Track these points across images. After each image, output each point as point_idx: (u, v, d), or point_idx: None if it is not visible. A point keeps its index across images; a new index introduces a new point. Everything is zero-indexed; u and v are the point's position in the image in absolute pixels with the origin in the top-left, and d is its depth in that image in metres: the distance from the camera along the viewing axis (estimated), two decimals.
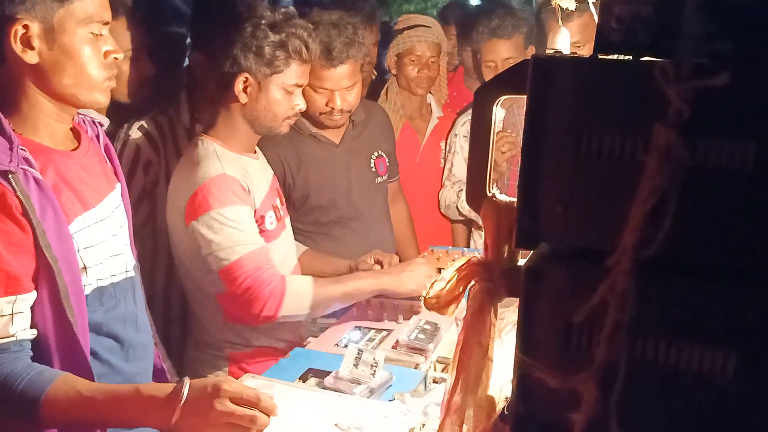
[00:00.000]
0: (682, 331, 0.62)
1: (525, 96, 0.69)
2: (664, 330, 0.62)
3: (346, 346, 1.77)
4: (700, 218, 0.61)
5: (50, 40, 1.25)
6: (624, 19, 0.63)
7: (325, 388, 1.62)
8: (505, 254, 0.84)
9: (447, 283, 0.87)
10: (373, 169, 2.53)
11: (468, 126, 2.55)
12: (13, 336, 1.20)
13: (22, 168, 1.20)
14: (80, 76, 1.29)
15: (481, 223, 0.88)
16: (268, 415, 1.21)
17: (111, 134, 1.96)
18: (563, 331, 0.66)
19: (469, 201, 0.88)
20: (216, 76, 1.86)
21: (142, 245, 1.75)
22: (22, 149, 1.22)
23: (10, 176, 1.17)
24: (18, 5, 1.21)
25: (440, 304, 0.88)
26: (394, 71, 2.99)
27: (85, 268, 1.31)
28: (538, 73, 0.67)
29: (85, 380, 1.24)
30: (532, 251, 0.72)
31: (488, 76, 2.84)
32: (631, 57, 0.64)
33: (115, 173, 1.52)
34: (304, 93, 2.01)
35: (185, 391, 1.18)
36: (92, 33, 1.30)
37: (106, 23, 1.33)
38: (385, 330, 1.97)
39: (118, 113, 2.09)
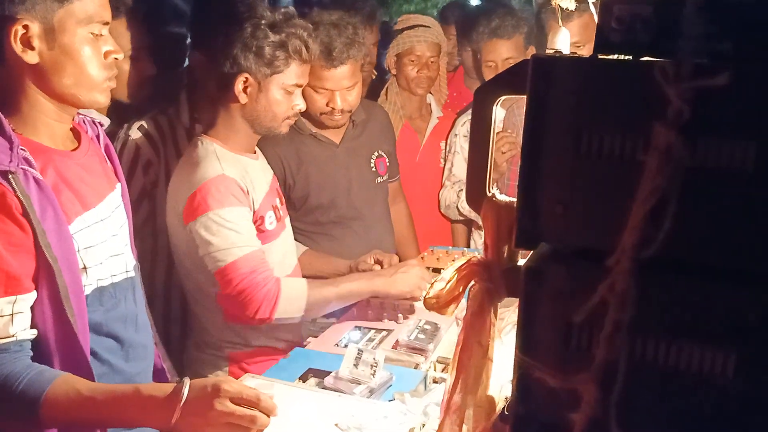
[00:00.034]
0: (682, 331, 0.62)
1: (525, 96, 0.69)
2: (664, 330, 0.62)
3: (346, 346, 1.78)
4: (700, 218, 0.61)
5: (50, 40, 1.25)
6: (624, 19, 0.63)
7: (325, 388, 1.62)
8: (505, 254, 0.84)
9: (447, 283, 0.87)
10: (374, 169, 2.53)
11: (468, 126, 2.55)
12: (13, 336, 1.20)
13: (22, 168, 1.19)
14: (80, 76, 1.29)
15: (481, 223, 0.88)
16: (268, 415, 1.21)
17: (111, 134, 1.96)
18: (563, 331, 0.66)
19: (469, 201, 0.88)
20: (216, 76, 1.87)
21: (142, 245, 1.75)
22: (22, 149, 1.22)
23: (10, 176, 1.17)
24: (18, 5, 1.21)
25: (440, 304, 0.88)
26: (393, 71, 2.99)
27: (85, 268, 1.31)
28: (538, 73, 0.67)
29: (85, 380, 1.24)
30: (532, 251, 0.72)
31: (488, 76, 2.84)
32: (631, 57, 0.64)
33: (116, 173, 1.52)
34: (304, 93, 2.02)
35: (185, 391, 1.18)
36: (92, 33, 1.30)
37: (106, 23, 1.33)
38: (385, 330, 1.97)
39: (119, 113, 2.09)
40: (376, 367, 1.60)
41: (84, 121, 1.48)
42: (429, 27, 2.93)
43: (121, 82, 1.98)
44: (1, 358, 1.20)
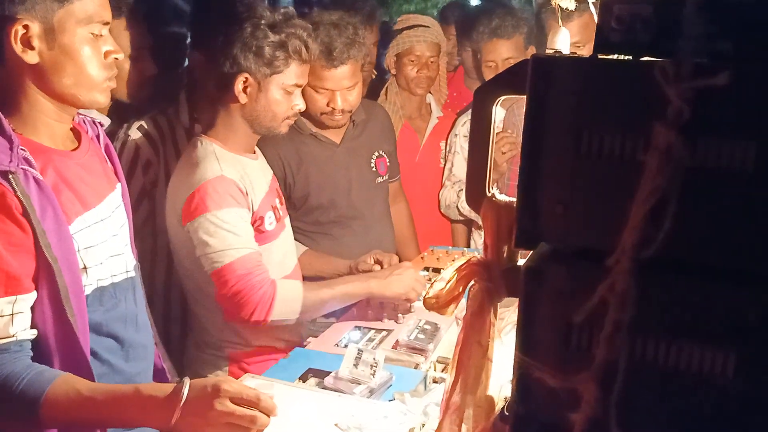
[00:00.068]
0: (682, 331, 0.61)
1: (525, 96, 0.69)
2: (664, 330, 0.62)
3: (346, 346, 1.78)
4: (700, 218, 0.61)
5: (50, 41, 1.25)
6: (624, 19, 0.63)
7: (325, 388, 1.62)
8: (505, 254, 0.84)
9: (447, 283, 0.87)
10: (374, 169, 2.53)
11: (468, 126, 2.55)
12: (13, 336, 1.20)
13: (22, 168, 1.19)
14: (80, 76, 1.29)
15: (481, 223, 0.88)
16: (268, 415, 1.21)
17: (111, 134, 1.96)
18: (563, 331, 0.66)
19: (468, 201, 0.88)
20: (216, 76, 1.86)
21: (142, 245, 1.75)
22: (22, 149, 1.22)
23: (10, 176, 1.17)
24: (18, 5, 1.21)
25: (440, 304, 0.88)
26: (393, 71, 2.99)
27: (85, 268, 1.31)
28: (537, 73, 0.67)
29: (85, 380, 1.24)
30: (531, 251, 0.72)
31: (488, 76, 2.84)
32: (631, 57, 0.64)
33: (116, 173, 1.52)
34: (305, 93, 2.01)
35: (185, 391, 1.18)
36: (92, 33, 1.30)
37: (107, 23, 1.33)
38: (385, 330, 1.97)
39: (119, 113, 2.09)
40: (376, 367, 1.60)
41: (84, 121, 1.48)
42: (428, 27, 2.93)
43: (122, 82, 1.98)
44: (1, 358, 1.20)
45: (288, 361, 1.78)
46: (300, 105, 1.95)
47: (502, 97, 0.82)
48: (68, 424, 1.25)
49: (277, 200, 2.07)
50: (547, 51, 1.05)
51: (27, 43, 1.24)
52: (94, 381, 1.27)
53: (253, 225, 1.91)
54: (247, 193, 1.89)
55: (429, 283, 1.52)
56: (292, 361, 1.77)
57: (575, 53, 0.94)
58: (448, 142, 3.02)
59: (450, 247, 2.76)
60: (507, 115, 2.65)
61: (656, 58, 0.62)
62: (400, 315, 2.04)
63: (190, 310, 2.06)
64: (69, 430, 1.30)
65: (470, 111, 0.92)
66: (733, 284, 0.60)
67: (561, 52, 0.93)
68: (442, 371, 1.74)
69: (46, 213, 1.22)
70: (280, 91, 1.89)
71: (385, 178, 2.58)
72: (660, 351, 0.62)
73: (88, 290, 1.32)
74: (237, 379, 1.44)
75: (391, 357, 1.76)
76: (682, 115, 0.58)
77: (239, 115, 1.91)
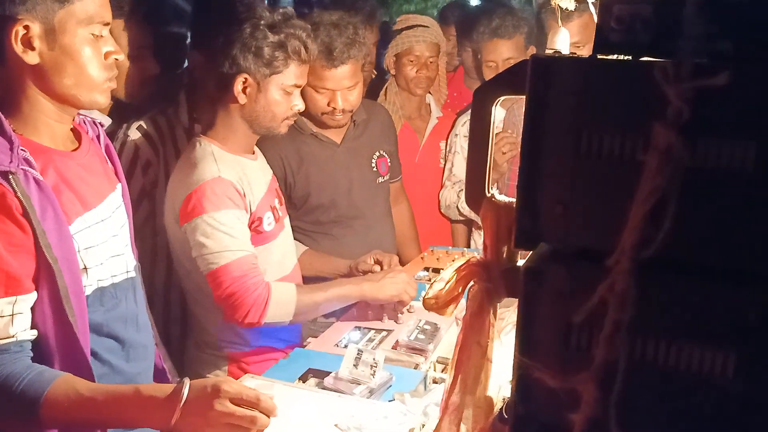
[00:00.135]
0: (682, 331, 0.61)
1: (524, 96, 0.68)
2: (664, 330, 0.62)
3: (346, 346, 1.78)
4: (700, 218, 0.61)
5: (51, 41, 1.25)
6: (624, 19, 0.63)
7: (324, 388, 1.62)
8: (505, 254, 0.84)
9: (446, 284, 0.87)
10: (375, 169, 2.53)
11: (468, 126, 2.55)
12: (13, 337, 1.20)
13: (22, 168, 1.19)
14: (81, 77, 1.29)
15: (480, 223, 0.88)
16: (268, 416, 1.21)
17: (110, 134, 1.96)
18: (563, 331, 0.66)
19: (468, 201, 0.88)
20: (215, 76, 1.87)
21: (142, 245, 1.75)
22: (22, 150, 1.22)
23: (10, 177, 1.17)
24: (19, 6, 1.21)
25: (439, 305, 0.88)
26: (392, 71, 2.99)
27: (85, 268, 1.31)
28: (537, 73, 0.67)
29: (85, 381, 1.24)
30: (531, 251, 0.72)
31: (489, 76, 2.84)
32: (630, 57, 0.64)
33: (116, 174, 1.52)
34: (305, 93, 2.02)
35: (185, 391, 1.18)
36: (93, 34, 1.30)
37: (107, 24, 1.33)
38: (385, 330, 1.97)
39: (119, 113, 2.09)
40: (375, 367, 1.60)
41: (84, 122, 1.48)
42: (428, 27, 2.93)
43: (122, 82, 1.98)
44: (2, 358, 1.20)
45: (288, 362, 1.78)
46: (299, 105, 1.95)
47: (502, 97, 0.82)
48: (68, 424, 1.25)
49: (276, 201, 2.07)
50: (547, 51, 1.05)
51: (27, 44, 1.24)
52: (94, 381, 1.27)
53: (251, 225, 1.91)
54: (244, 195, 1.89)
55: (428, 283, 1.53)
56: (292, 362, 1.78)
57: (575, 53, 0.94)
58: (449, 142, 3.01)
59: (450, 248, 2.76)
60: (507, 115, 2.65)
61: (656, 58, 0.62)
62: (400, 315, 2.04)
63: (190, 310, 2.06)
64: (69, 431, 1.30)
65: (470, 111, 0.92)
66: (733, 284, 0.60)
67: (561, 52, 0.93)
68: (442, 371, 1.74)
69: (46, 213, 1.22)
70: (280, 92, 1.89)
71: (386, 178, 2.58)
72: (660, 351, 0.62)
73: (88, 290, 1.32)
74: (237, 379, 1.44)
75: (391, 357, 1.76)
76: (681, 115, 0.58)
77: (238, 116, 1.91)
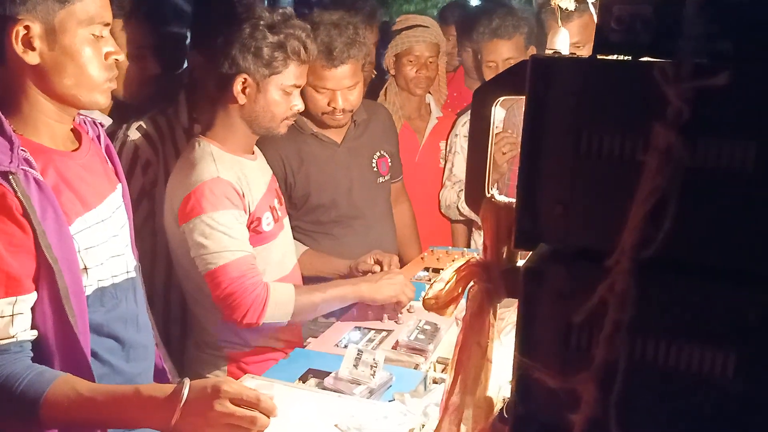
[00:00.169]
0: (682, 331, 0.61)
1: (524, 96, 0.68)
2: (663, 330, 0.62)
3: (346, 346, 1.78)
4: (700, 218, 0.61)
5: (51, 41, 1.25)
6: (624, 19, 0.63)
7: (324, 388, 1.62)
8: (505, 255, 0.84)
9: (446, 284, 0.87)
10: (375, 169, 2.53)
11: (468, 126, 2.55)
12: (13, 337, 1.20)
13: (22, 169, 1.19)
14: (81, 77, 1.29)
15: (480, 223, 0.88)
16: (268, 416, 1.21)
17: (110, 134, 1.96)
18: (563, 331, 0.66)
19: (468, 202, 0.88)
20: (215, 76, 1.87)
21: (142, 245, 1.75)
22: (22, 150, 1.22)
23: (10, 177, 1.17)
24: (19, 6, 1.21)
25: (439, 305, 0.88)
26: (392, 71, 2.98)
27: (85, 268, 1.31)
28: (537, 73, 0.67)
29: (86, 381, 1.24)
30: (531, 252, 0.72)
31: (489, 76, 2.84)
32: (630, 57, 0.64)
33: (116, 174, 1.52)
34: (306, 93, 2.02)
35: (185, 391, 1.18)
36: (93, 34, 1.30)
37: (107, 24, 1.33)
38: (385, 330, 1.97)
39: (119, 113, 2.09)
40: (375, 367, 1.60)
41: (84, 122, 1.48)
42: (428, 27, 2.93)
43: (122, 82, 1.98)
44: (2, 359, 1.20)
45: (288, 362, 1.78)
46: (299, 105, 1.95)
47: (502, 98, 0.82)
48: (68, 424, 1.25)
49: (276, 201, 2.07)
50: (547, 51, 1.05)
51: (28, 44, 1.24)
52: (94, 381, 1.27)
53: (250, 226, 1.92)
54: (243, 195, 1.89)
55: (428, 284, 1.52)
56: (292, 362, 1.78)
57: (575, 53, 0.94)
58: (449, 142, 3.01)
59: (450, 248, 2.76)
60: (507, 115, 2.64)
61: (656, 58, 0.62)
62: (400, 315, 2.04)
63: (190, 310, 2.06)
64: (69, 431, 1.30)
65: (470, 111, 0.92)
66: (733, 284, 0.60)
67: (561, 53, 0.93)
68: (442, 372, 1.74)
69: (46, 213, 1.22)
70: (279, 92, 1.89)
71: (387, 178, 2.58)
72: (660, 351, 0.62)
73: (88, 291, 1.32)
74: (237, 379, 1.44)
75: (391, 357, 1.76)
76: (681, 115, 0.58)
77: (238, 116, 1.91)
